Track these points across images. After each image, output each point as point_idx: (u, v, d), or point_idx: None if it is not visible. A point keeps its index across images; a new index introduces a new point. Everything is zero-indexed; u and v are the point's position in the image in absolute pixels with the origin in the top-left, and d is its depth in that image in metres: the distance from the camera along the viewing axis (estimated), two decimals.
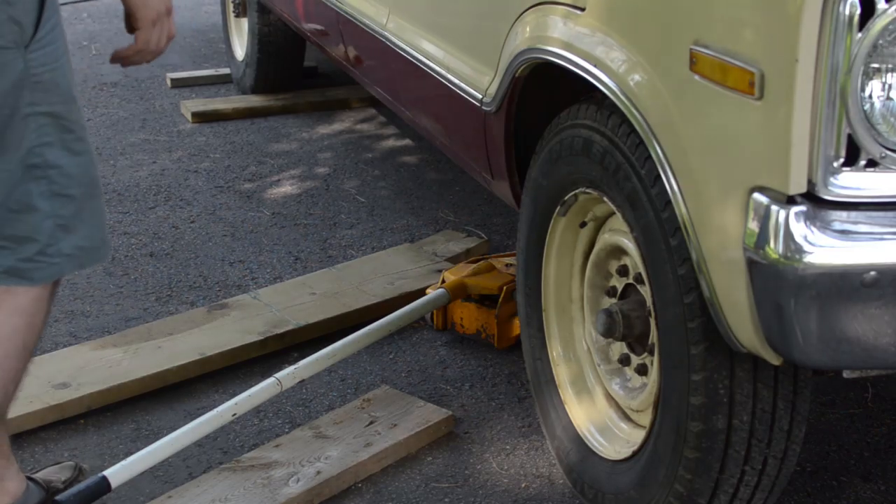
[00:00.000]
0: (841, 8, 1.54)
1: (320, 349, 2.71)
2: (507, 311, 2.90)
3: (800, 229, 1.60)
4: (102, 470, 2.31)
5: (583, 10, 2.05)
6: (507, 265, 3.04)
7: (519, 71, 2.32)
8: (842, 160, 1.61)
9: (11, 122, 1.82)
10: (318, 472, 2.42)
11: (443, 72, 2.78)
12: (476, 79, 2.57)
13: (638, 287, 2.19)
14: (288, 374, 2.59)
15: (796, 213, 1.60)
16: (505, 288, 2.89)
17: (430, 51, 2.89)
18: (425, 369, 2.91)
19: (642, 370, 2.24)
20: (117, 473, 2.31)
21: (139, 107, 5.15)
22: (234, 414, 2.49)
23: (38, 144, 1.86)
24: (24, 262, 1.91)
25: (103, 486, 2.28)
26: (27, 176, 1.86)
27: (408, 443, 2.56)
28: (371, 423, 2.61)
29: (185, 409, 2.74)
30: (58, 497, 2.21)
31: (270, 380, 2.57)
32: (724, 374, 1.89)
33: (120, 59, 1.98)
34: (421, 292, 3.09)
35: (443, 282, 3.02)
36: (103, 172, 4.32)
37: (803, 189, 1.61)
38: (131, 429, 2.68)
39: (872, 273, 1.59)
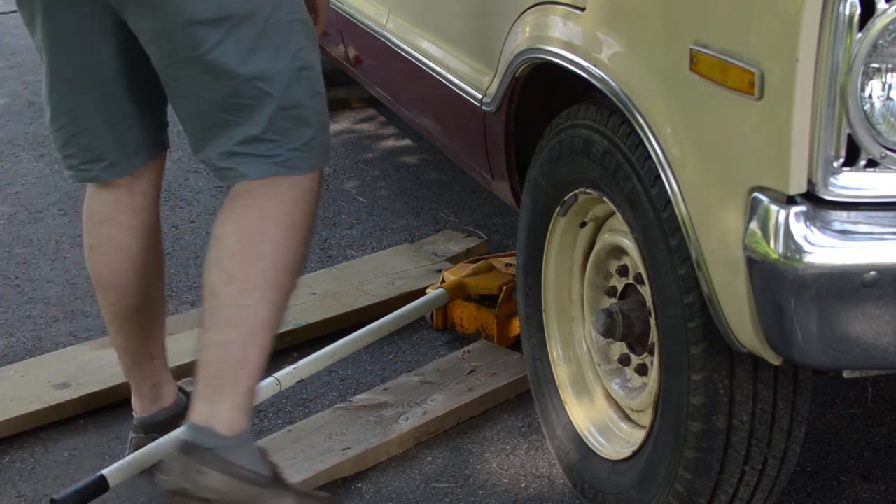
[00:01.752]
0: (841, 8, 1.54)
1: (321, 349, 2.71)
2: (507, 310, 2.91)
3: (800, 229, 1.60)
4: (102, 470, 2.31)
5: (583, 10, 2.05)
6: (506, 265, 3.04)
7: (519, 71, 2.32)
8: (842, 160, 1.61)
9: (280, 26, 2.03)
10: (425, 413, 2.63)
11: (443, 72, 2.78)
12: (476, 79, 2.57)
13: (638, 287, 2.19)
14: (287, 374, 2.59)
15: (796, 213, 1.60)
16: (505, 288, 2.89)
17: (430, 51, 2.90)
18: None
19: (642, 370, 2.24)
20: (115, 473, 2.30)
21: None
22: None
23: (299, 48, 2.06)
24: (293, 152, 2.07)
25: (102, 485, 2.27)
26: (296, 76, 2.05)
27: (506, 389, 2.75)
28: (472, 371, 2.79)
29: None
30: (55, 496, 2.21)
31: (270, 379, 2.57)
32: (724, 374, 1.89)
33: None
34: (421, 292, 3.09)
35: (442, 281, 3.02)
36: None
37: (803, 189, 1.61)
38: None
39: (872, 273, 1.59)
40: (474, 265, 3.06)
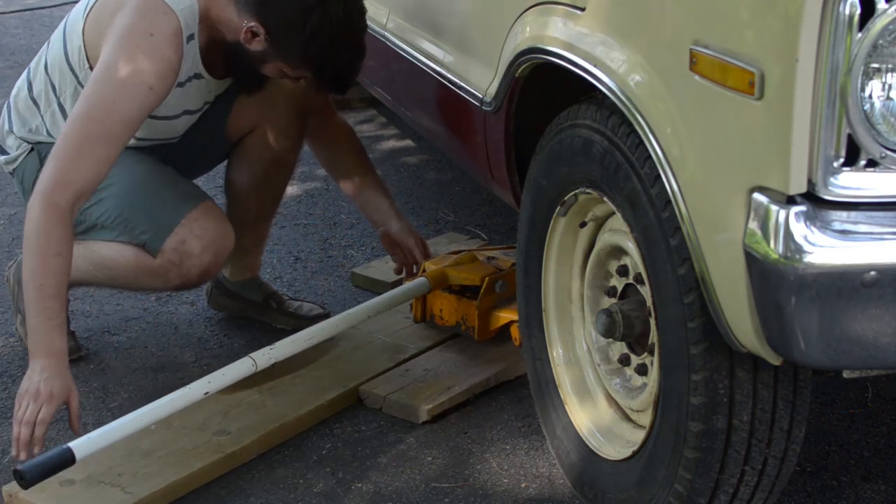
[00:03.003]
0: (841, 8, 1.54)
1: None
2: (488, 303, 2.85)
3: (800, 229, 1.60)
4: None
5: (583, 10, 2.05)
6: (488, 258, 3.00)
7: (519, 71, 2.32)
8: (842, 160, 1.61)
9: None
10: None
11: (443, 72, 2.78)
12: (476, 79, 2.57)
13: (638, 287, 2.19)
14: (264, 355, 2.56)
15: (796, 213, 1.60)
16: (487, 280, 2.85)
17: (430, 51, 2.90)
18: None
19: (642, 370, 2.24)
20: (83, 446, 2.26)
21: None
22: (207, 392, 2.45)
23: None
24: None
25: (67, 457, 2.23)
26: None
27: None
28: None
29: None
30: (19, 467, 2.21)
31: (245, 359, 2.54)
32: (724, 374, 1.89)
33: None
34: None
35: (423, 271, 2.95)
36: None
37: (803, 189, 1.61)
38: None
39: (872, 273, 1.59)
40: (456, 256, 3.01)
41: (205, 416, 2.62)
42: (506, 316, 2.81)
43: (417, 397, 2.71)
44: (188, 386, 2.46)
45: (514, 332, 2.76)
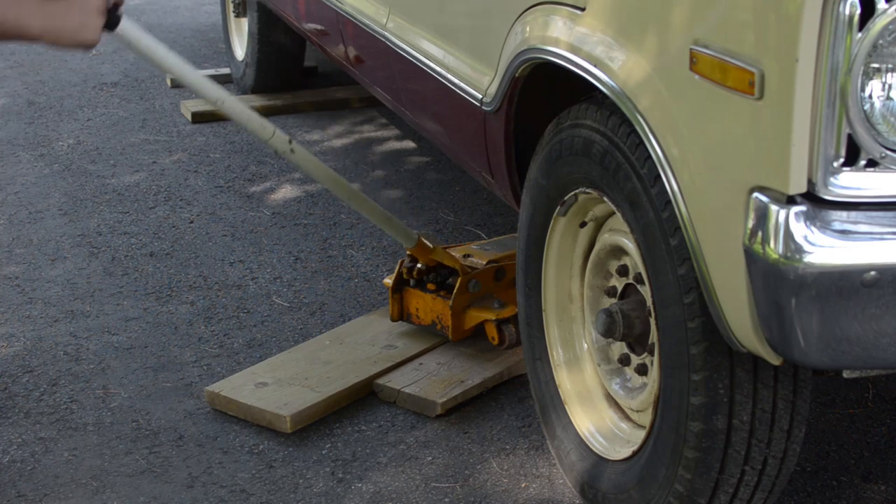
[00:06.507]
0: (841, 8, 1.54)
1: None
2: (462, 302, 2.87)
3: (800, 229, 1.60)
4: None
5: (583, 10, 2.05)
6: (464, 255, 3.00)
7: (519, 71, 2.32)
8: (842, 160, 1.61)
9: None
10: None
11: (443, 72, 2.78)
12: (476, 79, 2.57)
13: (638, 287, 2.19)
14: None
15: (796, 213, 1.60)
16: (460, 279, 2.86)
17: (430, 51, 2.90)
18: None
19: (642, 370, 2.24)
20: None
21: (139, 107, 5.15)
22: None
23: None
24: None
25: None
26: None
27: None
28: None
29: (185, 410, 2.74)
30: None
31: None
32: (724, 374, 1.89)
33: None
34: None
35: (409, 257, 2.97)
36: (103, 172, 4.33)
37: (803, 189, 1.61)
38: (131, 428, 2.68)
39: (872, 273, 1.59)
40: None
41: (372, 335, 2.99)
42: (479, 315, 2.83)
43: (432, 391, 2.74)
44: None
45: (489, 330, 2.81)
